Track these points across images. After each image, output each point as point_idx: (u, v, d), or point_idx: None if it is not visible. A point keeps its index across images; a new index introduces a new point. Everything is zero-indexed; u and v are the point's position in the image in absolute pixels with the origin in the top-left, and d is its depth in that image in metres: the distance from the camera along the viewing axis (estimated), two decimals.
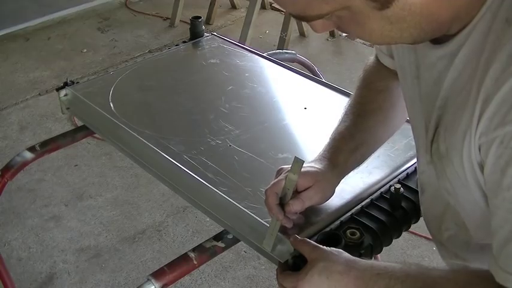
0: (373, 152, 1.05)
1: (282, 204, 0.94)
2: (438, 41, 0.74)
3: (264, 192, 0.97)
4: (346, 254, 0.85)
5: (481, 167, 0.70)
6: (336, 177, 0.99)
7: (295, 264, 0.91)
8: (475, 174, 0.72)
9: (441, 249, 0.99)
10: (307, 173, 0.95)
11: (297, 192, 0.95)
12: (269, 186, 0.96)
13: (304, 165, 0.91)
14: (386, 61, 1.03)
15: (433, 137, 0.80)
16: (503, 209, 0.66)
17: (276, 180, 0.96)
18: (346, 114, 1.05)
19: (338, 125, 1.04)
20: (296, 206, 0.94)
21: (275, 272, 0.92)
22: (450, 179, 0.78)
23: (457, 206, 0.83)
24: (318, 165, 0.98)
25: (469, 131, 0.69)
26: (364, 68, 1.10)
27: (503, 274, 0.67)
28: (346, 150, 1.00)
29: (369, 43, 3.71)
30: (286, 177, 0.92)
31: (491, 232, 0.70)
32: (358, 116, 1.04)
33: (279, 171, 0.99)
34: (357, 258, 0.84)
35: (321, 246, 0.87)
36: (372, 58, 1.10)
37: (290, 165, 0.90)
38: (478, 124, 0.67)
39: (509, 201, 0.65)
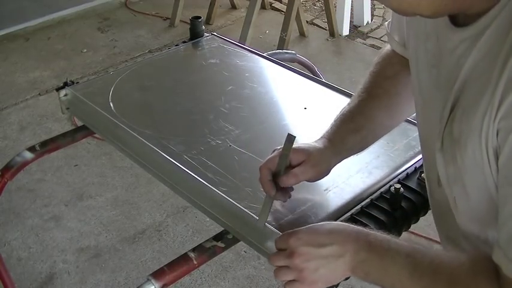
0: (376, 138, 1.06)
1: (276, 180, 0.96)
2: (460, 23, 0.74)
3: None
4: None
5: (496, 154, 0.69)
6: (332, 153, 1.00)
7: None
8: (488, 159, 0.71)
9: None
10: (300, 148, 0.97)
11: (291, 168, 0.97)
12: (263, 163, 0.98)
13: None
14: (398, 49, 1.04)
15: (446, 122, 0.78)
16: None
17: (270, 156, 0.98)
18: (353, 97, 1.07)
19: (343, 108, 1.06)
20: (289, 180, 0.96)
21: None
22: (459, 165, 0.76)
23: (459, 196, 0.80)
24: (314, 143, 1.00)
25: (489, 113, 0.68)
26: (378, 54, 1.11)
27: None
28: (344, 129, 1.02)
29: (369, 44, 3.71)
30: (279, 153, 0.94)
31: (498, 222, 0.68)
32: (362, 100, 1.05)
33: (274, 151, 1.01)
34: None
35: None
36: (388, 46, 1.10)
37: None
38: (498, 108, 0.66)
39: None
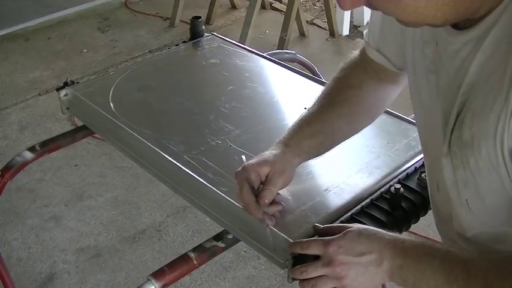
0: (335, 143, 1.06)
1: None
2: (461, 27, 0.73)
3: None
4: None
5: (511, 154, 0.69)
6: (291, 156, 1.01)
7: (295, 265, 0.90)
8: (504, 161, 0.70)
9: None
10: (263, 160, 0.98)
11: (261, 184, 0.98)
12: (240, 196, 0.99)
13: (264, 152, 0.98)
14: (373, 55, 1.03)
15: (453, 126, 0.78)
16: None
17: (240, 190, 0.99)
18: (314, 102, 1.08)
19: (303, 113, 1.07)
20: (267, 195, 0.97)
21: (275, 272, 0.92)
22: (473, 168, 0.75)
23: (472, 199, 0.80)
24: (273, 150, 1.01)
25: (503, 114, 0.67)
26: (345, 60, 1.11)
27: None
28: (300, 134, 1.03)
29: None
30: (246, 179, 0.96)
31: None
32: (322, 106, 1.06)
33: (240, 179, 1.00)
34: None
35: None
36: (355, 52, 1.10)
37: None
38: None
39: None
